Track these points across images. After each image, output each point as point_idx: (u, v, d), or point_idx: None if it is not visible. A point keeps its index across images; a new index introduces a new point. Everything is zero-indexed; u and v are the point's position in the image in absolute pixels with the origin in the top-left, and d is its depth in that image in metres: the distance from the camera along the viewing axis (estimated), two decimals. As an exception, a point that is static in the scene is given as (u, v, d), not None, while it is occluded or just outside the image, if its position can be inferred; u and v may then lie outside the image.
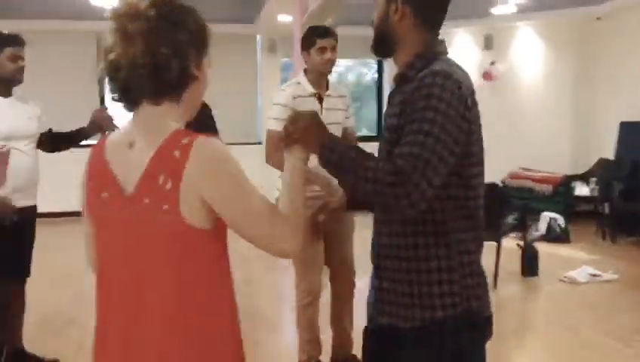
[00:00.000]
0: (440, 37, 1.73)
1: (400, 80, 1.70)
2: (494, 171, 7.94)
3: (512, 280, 5.71)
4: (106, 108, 3.44)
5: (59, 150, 3.62)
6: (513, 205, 6.55)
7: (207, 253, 1.34)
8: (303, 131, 1.51)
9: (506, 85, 9.16)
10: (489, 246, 5.46)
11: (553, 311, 4.99)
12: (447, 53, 1.70)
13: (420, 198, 1.42)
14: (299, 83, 3.40)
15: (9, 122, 3.31)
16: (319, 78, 3.39)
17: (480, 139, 1.63)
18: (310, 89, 3.37)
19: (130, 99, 1.35)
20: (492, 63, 9.11)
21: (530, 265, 5.82)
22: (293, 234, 1.34)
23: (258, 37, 9.91)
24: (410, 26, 1.67)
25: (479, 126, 1.62)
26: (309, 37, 3.34)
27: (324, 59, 3.31)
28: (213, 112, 4.05)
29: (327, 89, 3.43)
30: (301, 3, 6.35)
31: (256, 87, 10.03)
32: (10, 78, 3.35)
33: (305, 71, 3.44)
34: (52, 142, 3.59)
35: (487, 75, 9.16)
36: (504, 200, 5.85)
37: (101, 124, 3.35)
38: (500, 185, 8.29)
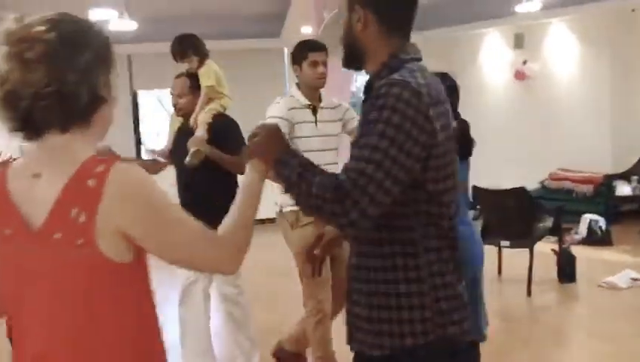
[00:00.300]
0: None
1: (368, 90, 1.62)
2: (528, 173, 7.82)
3: (547, 287, 5.48)
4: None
5: None
6: (549, 208, 6.29)
7: (128, 286, 1.26)
8: (262, 144, 1.49)
9: (540, 84, 8.86)
10: (521, 253, 5.31)
11: (590, 318, 4.76)
12: (419, 58, 1.60)
13: (360, 216, 1.34)
14: (292, 96, 3.37)
15: None
16: (312, 92, 3.36)
17: (448, 152, 1.52)
18: (304, 100, 3.34)
19: (32, 129, 1.24)
20: (524, 63, 8.86)
21: (566, 270, 5.56)
22: (231, 255, 1.30)
23: (285, 49, 9.92)
24: (375, 33, 1.58)
25: (447, 138, 1.52)
26: (301, 50, 3.30)
27: (317, 72, 3.27)
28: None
29: (320, 101, 3.39)
30: (317, 14, 6.32)
31: (285, 100, 10.05)
32: None
33: (297, 85, 3.40)
34: None
35: (519, 75, 8.91)
36: (534, 204, 5.64)
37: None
38: (538, 186, 8.07)
